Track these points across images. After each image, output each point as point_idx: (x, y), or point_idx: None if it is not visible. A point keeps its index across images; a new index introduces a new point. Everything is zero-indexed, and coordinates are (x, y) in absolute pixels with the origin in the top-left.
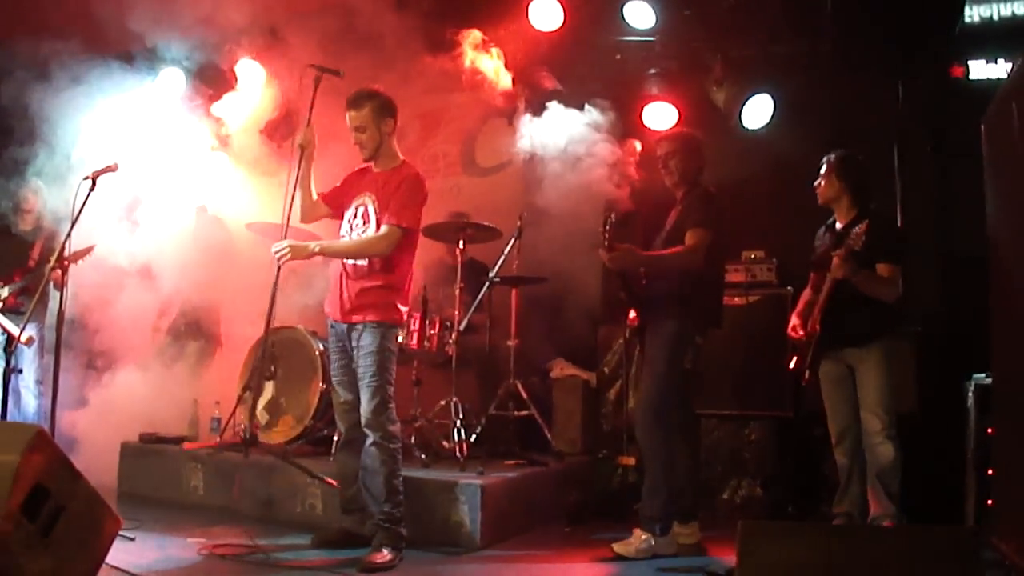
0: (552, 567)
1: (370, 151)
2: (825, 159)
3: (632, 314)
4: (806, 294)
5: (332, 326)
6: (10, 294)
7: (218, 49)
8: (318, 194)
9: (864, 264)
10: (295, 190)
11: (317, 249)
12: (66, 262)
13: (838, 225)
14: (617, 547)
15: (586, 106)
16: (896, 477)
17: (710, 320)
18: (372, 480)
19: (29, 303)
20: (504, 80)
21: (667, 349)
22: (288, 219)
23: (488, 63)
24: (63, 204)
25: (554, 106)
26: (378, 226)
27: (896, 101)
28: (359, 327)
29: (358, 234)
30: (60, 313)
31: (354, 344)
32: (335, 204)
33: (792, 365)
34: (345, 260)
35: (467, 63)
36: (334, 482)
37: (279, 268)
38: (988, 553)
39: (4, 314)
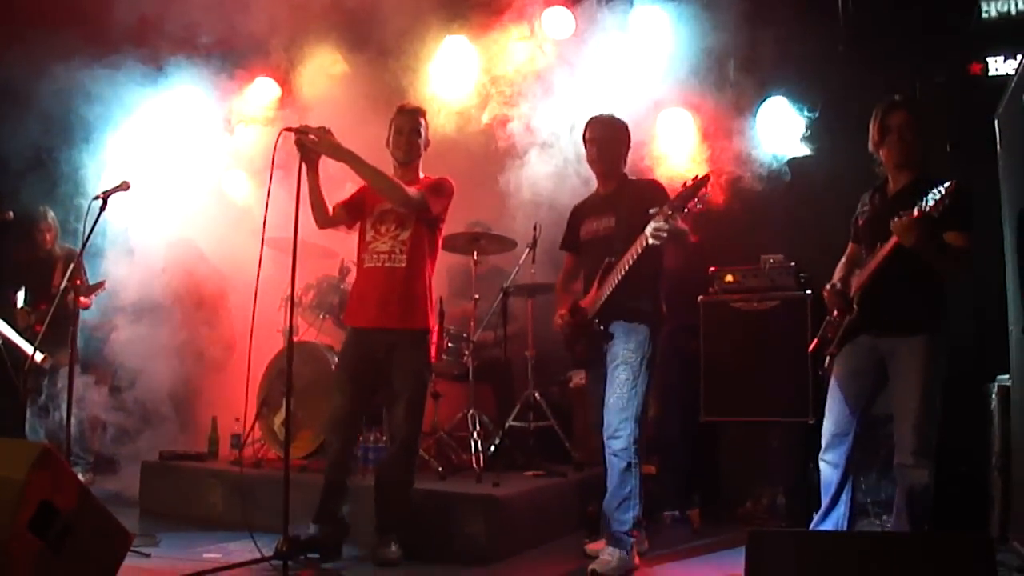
0: None
1: (411, 154)
2: (897, 108)
3: None
4: (840, 269)
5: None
6: (36, 322)
7: (236, 66)
8: (331, 205)
9: (932, 232)
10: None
11: (347, 156)
12: (79, 292)
13: (891, 187)
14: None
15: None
16: (927, 507)
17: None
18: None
19: (58, 329)
20: None
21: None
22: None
23: None
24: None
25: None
26: (415, 225)
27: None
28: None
29: (391, 237)
30: (73, 335)
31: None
32: (353, 212)
33: (812, 347)
34: None
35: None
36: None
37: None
38: (1011, 557)
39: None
